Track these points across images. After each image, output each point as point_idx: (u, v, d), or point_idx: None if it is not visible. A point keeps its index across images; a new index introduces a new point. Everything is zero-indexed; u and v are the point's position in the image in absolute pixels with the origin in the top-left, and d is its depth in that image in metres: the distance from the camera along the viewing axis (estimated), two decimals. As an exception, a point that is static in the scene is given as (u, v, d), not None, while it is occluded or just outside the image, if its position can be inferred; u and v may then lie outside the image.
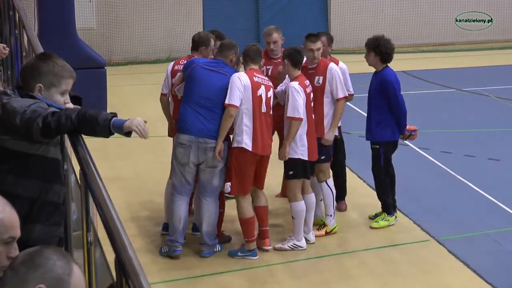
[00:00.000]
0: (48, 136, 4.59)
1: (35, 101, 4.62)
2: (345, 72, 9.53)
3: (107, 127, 4.53)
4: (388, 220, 9.45)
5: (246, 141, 8.38)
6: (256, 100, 8.41)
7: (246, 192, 8.59)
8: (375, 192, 9.86)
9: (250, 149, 8.39)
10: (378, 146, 9.35)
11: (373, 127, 9.37)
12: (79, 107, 4.86)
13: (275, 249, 8.78)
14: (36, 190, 4.66)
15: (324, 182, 9.12)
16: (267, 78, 8.75)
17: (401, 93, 9.44)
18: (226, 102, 8.29)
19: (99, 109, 4.63)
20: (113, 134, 4.62)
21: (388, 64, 9.38)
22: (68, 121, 4.50)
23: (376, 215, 9.54)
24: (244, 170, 8.46)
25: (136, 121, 4.58)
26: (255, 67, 8.60)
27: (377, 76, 9.37)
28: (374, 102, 9.38)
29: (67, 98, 4.78)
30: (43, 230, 4.69)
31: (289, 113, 8.56)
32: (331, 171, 9.39)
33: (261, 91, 8.46)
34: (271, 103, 8.57)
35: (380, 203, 9.52)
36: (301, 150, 8.66)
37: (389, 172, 9.45)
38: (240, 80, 8.34)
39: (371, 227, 9.40)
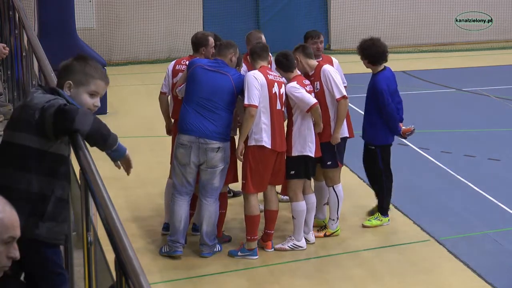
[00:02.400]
0: (57, 127, 4.55)
1: (55, 97, 4.63)
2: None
3: (114, 145, 4.89)
4: (381, 220, 9.43)
5: (265, 139, 8.43)
6: (272, 97, 8.45)
7: (263, 189, 8.67)
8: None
9: (270, 147, 8.44)
10: (374, 147, 9.36)
11: (367, 128, 9.38)
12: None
13: (275, 249, 8.78)
14: (49, 187, 4.66)
15: (331, 187, 9.08)
16: (278, 75, 8.76)
17: (400, 93, 9.47)
18: (246, 102, 8.31)
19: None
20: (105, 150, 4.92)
21: (387, 65, 9.36)
22: (71, 113, 4.49)
23: (372, 212, 9.55)
24: (263, 167, 8.50)
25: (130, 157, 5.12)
26: (264, 63, 8.62)
27: (373, 79, 9.35)
28: (368, 104, 9.40)
29: (97, 101, 4.78)
30: (57, 228, 4.69)
31: (305, 107, 8.52)
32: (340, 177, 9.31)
33: (275, 88, 8.49)
34: (283, 100, 8.60)
35: (375, 202, 9.52)
36: (309, 147, 8.65)
37: (388, 175, 9.44)
38: (257, 79, 8.36)
39: (363, 225, 9.39)
